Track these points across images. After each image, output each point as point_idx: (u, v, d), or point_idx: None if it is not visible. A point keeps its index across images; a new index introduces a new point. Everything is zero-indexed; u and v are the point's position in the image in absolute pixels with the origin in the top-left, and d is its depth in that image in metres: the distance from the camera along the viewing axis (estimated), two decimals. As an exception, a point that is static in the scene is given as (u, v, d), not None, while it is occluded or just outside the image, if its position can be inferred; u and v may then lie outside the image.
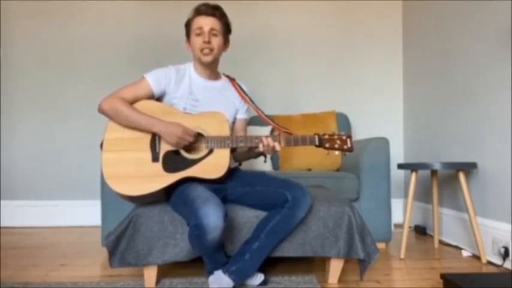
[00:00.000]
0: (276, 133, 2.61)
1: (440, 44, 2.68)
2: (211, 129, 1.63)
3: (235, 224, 1.62)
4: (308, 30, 3.28)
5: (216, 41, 1.70)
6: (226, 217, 1.43)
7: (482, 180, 2.17)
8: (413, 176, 2.23)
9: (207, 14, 1.68)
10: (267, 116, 1.84)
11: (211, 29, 1.68)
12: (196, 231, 1.39)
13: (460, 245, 2.35)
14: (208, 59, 1.69)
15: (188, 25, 1.74)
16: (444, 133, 2.61)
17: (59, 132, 3.17)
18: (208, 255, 1.53)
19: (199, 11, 1.70)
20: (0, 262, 2.05)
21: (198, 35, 1.68)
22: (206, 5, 1.70)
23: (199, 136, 1.63)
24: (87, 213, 3.06)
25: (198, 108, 1.70)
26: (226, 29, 1.76)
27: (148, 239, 1.60)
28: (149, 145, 1.60)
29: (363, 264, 1.67)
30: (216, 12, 1.70)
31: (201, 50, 1.68)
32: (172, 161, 1.59)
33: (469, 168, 2.20)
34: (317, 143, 1.63)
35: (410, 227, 2.87)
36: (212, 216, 1.37)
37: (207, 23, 1.68)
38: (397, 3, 3.31)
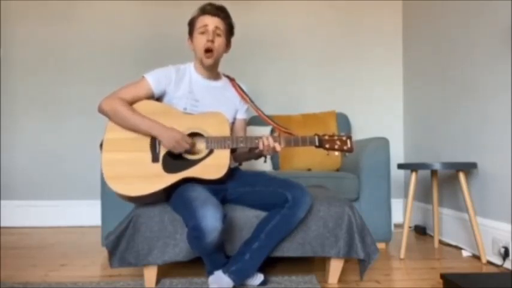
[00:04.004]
0: (276, 133, 2.61)
1: (440, 44, 2.68)
2: (212, 129, 1.63)
3: (235, 224, 1.62)
4: (308, 30, 3.28)
5: (219, 41, 1.69)
6: (225, 218, 1.43)
7: (482, 180, 2.17)
8: (413, 176, 2.23)
9: (212, 13, 1.69)
10: (266, 116, 1.84)
11: (216, 28, 1.68)
12: (195, 233, 1.39)
13: (460, 245, 2.35)
14: (210, 61, 1.69)
15: (192, 23, 1.74)
16: (444, 133, 2.61)
17: (59, 132, 3.17)
18: (207, 256, 1.53)
19: (204, 10, 1.70)
20: (0, 262, 2.05)
21: (203, 33, 1.68)
22: (212, 5, 1.71)
23: (199, 136, 1.63)
24: (87, 213, 3.06)
25: (198, 108, 1.70)
26: (230, 30, 1.76)
27: (148, 239, 1.60)
28: (149, 145, 1.60)
29: (363, 264, 1.67)
30: (221, 13, 1.71)
31: (204, 51, 1.68)
32: (173, 162, 1.59)
33: (469, 168, 2.20)
34: (317, 143, 1.63)
35: (410, 227, 2.87)
36: (210, 218, 1.36)
37: (212, 22, 1.68)
38: (397, 3, 3.31)
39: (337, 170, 2.69)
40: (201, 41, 1.68)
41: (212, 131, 1.62)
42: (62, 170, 3.15)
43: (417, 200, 2.92)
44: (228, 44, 1.77)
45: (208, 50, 1.67)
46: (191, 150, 1.61)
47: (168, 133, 1.56)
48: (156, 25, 3.21)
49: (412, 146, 3.13)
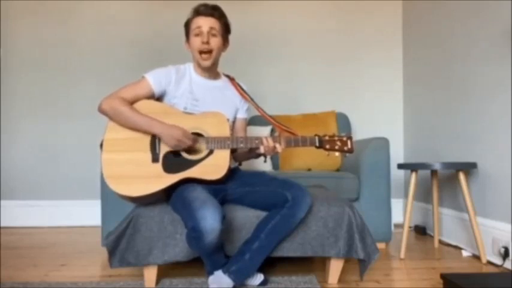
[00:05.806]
0: (276, 133, 2.61)
1: (440, 44, 2.68)
2: (212, 129, 1.63)
3: (235, 224, 1.62)
4: (308, 30, 3.28)
5: (215, 41, 1.69)
6: (224, 219, 1.43)
7: (482, 180, 2.17)
8: (413, 176, 2.23)
9: (206, 14, 1.68)
10: (267, 114, 1.84)
11: (211, 29, 1.68)
12: (194, 233, 1.39)
13: (460, 245, 2.35)
14: (207, 63, 1.70)
15: (187, 25, 1.74)
16: (444, 133, 2.61)
17: (59, 132, 3.17)
18: (207, 256, 1.53)
19: (198, 11, 1.69)
20: (0, 262, 2.05)
21: (197, 35, 1.68)
22: (205, 5, 1.70)
23: (199, 136, 1.63)
24: (87, 213, 3.06)
25: (199, 107, 1.70)
26: (226, 29, 1.75)
27: (148, 239, 1.60)
28: (149, 146, 1.60)
29: (363, 264, 1.67)
30: (215, 12, 1.70)
31: (200, 53, 1.68)
32: (173, 162, 1.59)
33: (469, 168, 2.20)
34: (317, 144, 1.63)
35: (410, 227, 2.87)
36: (209, 218, 1.36)
37: (206, 23, 1.68)
38: (397, 3, 3.31)
39: (337, 170, 2.69)
40: (196, 43, 1.68)
41: (212, 131, 1.62)
42: (62, 170, 3.15)
43: (417, 200, 2.92)
44: (225, 43, 1.77)
45: (203, 52, 1.67)
46: (193, 147, 1.61)
47: (169, 131, 1.55)
48: (157, 25, 3.21)
49: (412, 146, 3.13)
